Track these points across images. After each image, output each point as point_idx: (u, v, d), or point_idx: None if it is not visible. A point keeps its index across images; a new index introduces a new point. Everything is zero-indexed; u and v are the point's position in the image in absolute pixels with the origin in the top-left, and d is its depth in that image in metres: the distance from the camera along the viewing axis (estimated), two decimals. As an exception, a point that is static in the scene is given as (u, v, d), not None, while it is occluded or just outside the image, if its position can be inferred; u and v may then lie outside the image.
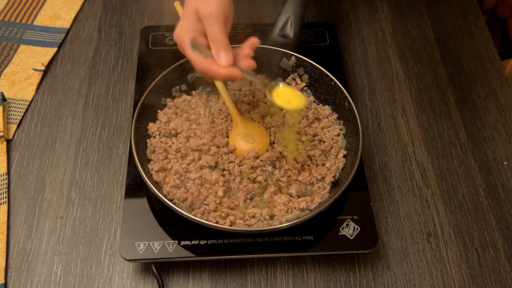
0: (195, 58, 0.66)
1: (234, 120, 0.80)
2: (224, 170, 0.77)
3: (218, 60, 0.65)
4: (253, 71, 0.70)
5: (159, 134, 0.80)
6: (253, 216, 0.72)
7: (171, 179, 0.74)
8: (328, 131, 0.82)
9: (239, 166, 0.77)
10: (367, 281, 0.74)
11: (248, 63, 0.68)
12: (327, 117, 0.84)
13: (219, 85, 0.81)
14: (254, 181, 0.76)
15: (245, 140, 0.78)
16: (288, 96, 0.73)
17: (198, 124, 0.81)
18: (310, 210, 0.73)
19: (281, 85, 0.74)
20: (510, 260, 0.77)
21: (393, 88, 0.96)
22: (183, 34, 0.66)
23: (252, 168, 0.76)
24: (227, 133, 0.81)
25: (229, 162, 0.77)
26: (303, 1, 0.89)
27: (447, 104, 0.94)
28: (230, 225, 0.71)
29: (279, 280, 0.74)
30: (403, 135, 0.89)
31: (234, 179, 0.76)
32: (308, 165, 0.78)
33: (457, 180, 0.84)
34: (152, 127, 0.80)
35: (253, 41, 0.70)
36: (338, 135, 0.82)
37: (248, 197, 0.74)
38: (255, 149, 0.78)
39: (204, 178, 0.75)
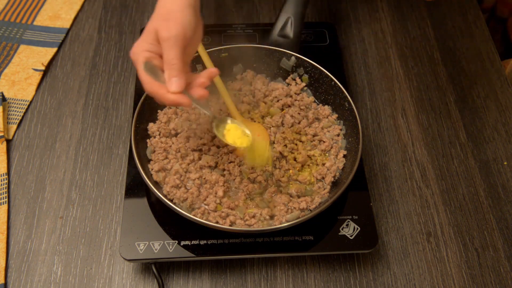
0: (146, 79, 0.64)
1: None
2: (224, 170, 0.77)
3: (169, 85, 0.63)
4: (205, 101, 0.68)
5: (159, 134, 0.80)
6: (253, 216, 0.72)
7: (171, 179, 0.74)
8: (328, 131, 0.82)
9: (239, 166, 0.77)
10: (367, 281, 0.74)
11: (200, 92, 0.66)
12: (327, 117, 0.84)
13: (219, 85, 0.81)
14: (254, 181, 0.75)
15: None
16: (235, 133, 0.74)
17: (198, 124, 0.81)
18: (310, 210, 0.73)
19: (229, 121, 0.74)
20: (510, 260, 0.77)
21: (393, 88, 0.96)
22: (139, 53, 0.64)
23: (252, 168, 0.76)
24: (227, 133, 0.81)
25: (229, 162, 0.77)
26: (303, 1, 0.89)
27: (447, 104, 0.94)
28: (230, 225, 0.71)
29: (279, 280, 0.74)
30: (403, 135, 0.89)
31: (234, 179, 0.76)
32: (308, 165, 0.78)
33: (457, 180, 0.84)
34: (152, 127, 0.80)
35: (212, 71, 0.69)
36: (338, 135, 0.82)
37: (248, 197, 0.74)
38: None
39: (204, 178, 0.75)
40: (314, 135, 0.82)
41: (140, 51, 0.64)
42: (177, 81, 0.63)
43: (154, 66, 0.64)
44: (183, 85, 0.64)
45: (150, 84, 0.64)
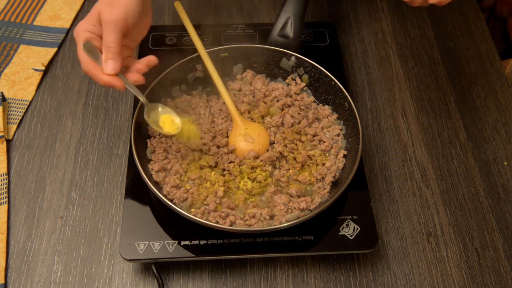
0: (83, 58, 0.67)
1: (234, 120, 0.80)
2: (224, 170, 0.77)
3: (104, 67, 0.66)
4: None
5: (159, 134, 0.80)
6: (253, 216, 0.72)
7: (171, 179, 0.74)
8: (328, 131, 0.82)
9: (239, 166, 0.77)
10: (367, 281, 0.74)
11: (135, 77, 0.69)
12: (327, 117, 0.84)
13: (219, 85, 0.81)
14: (254, 181, 0.76)
15: (245, 140, 0.78)
16: (164, 120, 0.76)
17: (198, 124, 0.81)
18: (310, 210, 0.73)
19: (160, 108, 0.76)
20: (510, 260, 0.77)
21: (393, 88, 0.96)
22: (80, 33, 0.67)
23: (252, 168, 0.76)
24: (227, 133, 0.81)
25: (229, 162, 0.77)
26: (303, 1, 0.89)
27: (447, 104, 0.94)
28: (230, 225, 0.71)
29: (279, 280, 0.74)
30: (403, 135, 0.89)
31: (234, 179, 0.76)
32: (308, 165, 0.78)
33: (457, 180, 0.84)
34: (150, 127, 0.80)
35: (150, 58, 0.71)
36: (338, 135, 0.82)
37: (248, 197, 0.74)
38: (255, 149, 0.78)
39: (204, 178, 0.75)
40: (314, 135, 0.82)
41: (82, 30, 0.67)
42: (112, 63, 0.66)
43: (93, 47, 0.67)
44: (117, 68, 0.66)
45: (86, 63, 0.67)
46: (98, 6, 0.68)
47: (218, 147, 0.79)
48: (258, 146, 0.78)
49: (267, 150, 0.79)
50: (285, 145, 0.79)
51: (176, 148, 0.78)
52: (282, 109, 0.84)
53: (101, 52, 0.67)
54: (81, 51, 0.67)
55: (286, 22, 0.89)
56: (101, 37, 0.68)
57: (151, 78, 0.82)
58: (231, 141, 0.79)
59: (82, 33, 0.67)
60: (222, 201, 0.73)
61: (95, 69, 0.66)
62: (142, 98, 0.74)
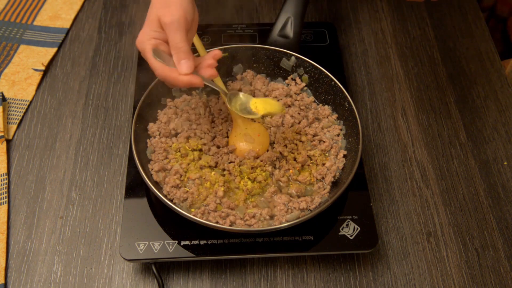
0: (156, 65, 0.67)
1: (234, 120, 0.80)
2: (224, 170, 0.77)
3: (179, 68, 0.66)
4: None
5: (159, 134, 0.80)
6: (253, 216, 0.72)
7: (171, 179, 0.74)
8: (328, 131, 0.82)
9: (239, 166, 0.77)
10: (367, 281, 0.74)
11: (210, 72, 0.69)
12: (327, 117, 0.84)
13: (219, 85, 0.81)
14: (254, 181, 0.76)
15: (245, 140, 0.78)
16: (256, 104, 0.75)
17: (198, 124, 0.81)
18: (310, 210, 0.73)
19: (240, 95, 0.76)
20: (510, 260, 0.77)
21: (393, 88, 0.96)
22: (145, 41, 0.67)
23: (252, 168, 0.76)
24: (227, 133, 0.81)
25: (229, 162, 0.77)
26: (303, 1, 0.89)
27: (447, 104, 0.94)
28: (230, 225, 0.71)
29: (279, 280, 0.74)
30: (403, 135, 0.89)
31: (234, 179, 0.76)
32: (308, 165, 0.78)
33: (457, 180, 0.84)
34: (152, 127, 0.80)
35: (216, 52, 0.72)
36: (338, 135, 0.82)
37: (248, 197, 0.74)
38: (255, 149, 0.78)
39: (204, 178, 0.75)
40: (314, 135, 0.82)
41: (146, 39, 0.67)
42: (186, 62, 0.66)
43: (162, 52, 0.67)
44: (192, 66, 0.66)
45: (161, 69, 0.67)
46: (154, 11, 0.67)
47: (218, 147, 0.79)
48: (258, 146, 0.78)
49: (267, 150, 0.79)
50: (285, 145, 0.79)
51: (176, 148, 0.78)
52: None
53: (170, 56, 0.67)
54: (153, 59, 0.66)
55: (286, 22, 0.89)
56: (166, 42, 0.67)
57: (151, 78, 0.82)
58: (231, 141, 0.79)
59: (147, 41, 0.67)
60: (222, 201, 0.73)
61: (171, 72, 0.66)
62: (222, 90, 0.74)
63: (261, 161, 0.77)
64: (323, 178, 0.77)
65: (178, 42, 0.66)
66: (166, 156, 0.78)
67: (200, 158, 0.77)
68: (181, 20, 0.66)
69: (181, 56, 0.66)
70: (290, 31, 0.89)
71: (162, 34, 0.67)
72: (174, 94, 0.85)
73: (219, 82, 0.80)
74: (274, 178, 0.76)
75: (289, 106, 0.85)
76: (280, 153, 0.78)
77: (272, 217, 0.73)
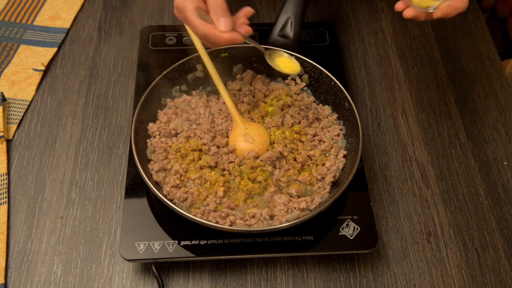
0: (199, 23, 0.68)
1: (234, 120, 0.80)
2: (224, 170, 0.77)
3: (219, 25, 0.68)
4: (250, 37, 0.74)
5: (159, 134, 0.80)
6: (253, 216, 0.72)
7: (171, 179, 0.74)
8: (328, 131, 0.82)
9: (239, 166, 0.77)
10: (367, 281, 0.74)
11: (245, 28, 0.71)
12: (327, 117, 0.84)
13: (219, 85, 0.81)
14: (254, 181, 0.75)
15: (245, 140, 0.78)
16: (284, 62, 0.79)
17: (198, 124, 0.81)
18: (310, 210, 0.73)
19: (277, 51, 0.80)
20: (510, 260, 0.77)
21: (393, 88, 0.96)
22: (187, 1, 0.69)
23: (252, 168, 0.76)
24: (227, 133, 0.81)
25: (229, 162, 0.77)
26: (303, 1, 0.89)
27: (447, 104, 0.94)
28: (230, 225, 0.71)
29: (279, 280, 0.74)
30: (403, 135, 0.89)
31: (234, 179, 0.76)
32: (308, 165, 0.78)
33: (457, 180, 0.84)
34: (152, 127, 0.80)
35: (247, 9, 0.74)
36: (338, 135, 0.82)
37: (248, 197, 0.74)
38: (255, 149, 0.78)
39: (204, 178, 0.75)
40: (314, 135, 0.82)
41: (187, 1, 0.69)
42: (225, 20, 0.68)
43: (203, 12, 0.69)
44: (231, 23, 0.69)
45: (203, 27, 0.69)
46: None
47: (218, 147, 0.79)
48: (258, 146, 0.78)
49: (267, 150, 0.79)
50: (285, 145, 0.79)
51: (176, 148, 0.78)
52: (282, 109, 0.84)
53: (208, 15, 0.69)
54: (196, 18, 0.68)
55: (286, 22, 0.89)
56: (204, 1, 0.69)
57: (151, 78, 0.82)
58: (231, 141, 0.79)
59: (189, 1, 0.68)
60: (222, 201, 0.73)
61: (212, 29, 0.68)
62: (260, 47, 0.77)
63: (261, 161, 0.77)
64: (323, 178, 0.77)
65: (217, 1, 0.68)
66: (166, 156, 0.77)
67: (200, 158, 0.77)
68: None
69: (220, 14, 0.68)
70: (290, 31, 0.89)
71: None
72: (174, 94, 0.85)
73: (218, 83, 0.81)
74: (274, 178, 0.76)
75: (289, 106, 0.85)
76: (280, 153, 0.78)
77: (272, 217, 0.73)
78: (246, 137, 0.78)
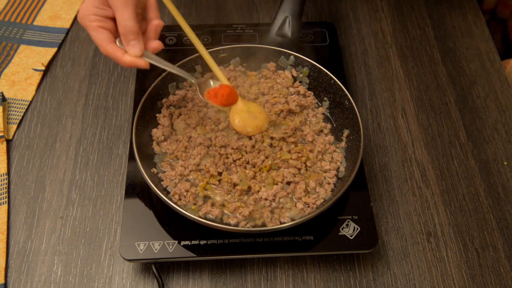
0: (100, 42, 0.63)
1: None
2: (226, 169, 0.77)
3: (129, 49, 0.63)
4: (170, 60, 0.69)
5: (164, 139, 0.80)
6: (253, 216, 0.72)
7: (174, 179, 0.74)
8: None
9: (244, 167, 0.76)
10: (367, 281, 0.74)
11: (155, 45, 0.66)
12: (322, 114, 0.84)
13: (214, 67, 0.78)
14: (253, 168, 0.75)
15: (248, 116, 0.78)
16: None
17: (198, 124, 0.81)
18: (311, 210, 0.73)
19: (211, 83, 0.75)
20: (510, 260, 0.77)
21: (393, 88, 0.96)
22: (87, 16, 0.63)
23: (252, 167, 0.76)
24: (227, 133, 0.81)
25: (229, 162, 0.77)
26: (301, 0, 0.89)
27: (447, 104, 0.94)
28: (230, 225, 0.71)
29: (279, 280, 0.74)
30: (403, 135, 0.89)
31: (237, 171, 0.75)
32: (309, 165, 0.78)
33: (457, 180, 0.84)
34: (156, 132, 0.80)
35: (156, 23, 0.67)
36: (341, 133, 0.82)
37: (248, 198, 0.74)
38: (258, 124, 0.78)
39: (205, 178, 0.75)
40: (314, 135, 0.82)
41: (88, 14, 0.63)
42: (135, 44, 0.62)
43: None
44: (142, 47, 0.63)
45: (105, 47, 0.63)
46: None
47: (221, 147, 0.79)
48: (260, 123, 0.78)
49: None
50: (286, 144, 0.79)
51: (181, 148, 0.78)
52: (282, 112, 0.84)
53: (116, 32, 0.63)
54: (97, 35, 0.62)
55: (284, 21, 0.89)
56: (110, 18, 0.63)
57: (151, 78, 0.82)
58: (232, 117, 0.79)
59: (89, 16, 0.63)
60: (223, 200, 0.73)
61: (115, 51, 0.63)
62: (188, 77, 0.71)
63: (262, 162, 0.77)
64: (324, 178, 0.77)
65: (127, 20, 0.61)
66: (168, 156, 0.77)
67: (201, 158, 0.77)
68: None
69: (131, 38, 0.62)
70: (288, 30, 0.89)
71: (106, 11, 0.63)
72: (170, 90, 0.84)
73: (214, 67, 0.77)
74: (274, 178, 0.76)
75: (289, 106, 0.84)
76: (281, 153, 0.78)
77: (272, 217, 0.72)
78: (250, 114, 0.78)
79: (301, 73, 0.87)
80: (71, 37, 1.00)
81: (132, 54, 0.63)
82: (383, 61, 1.00)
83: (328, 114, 0.84)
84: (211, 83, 0.75)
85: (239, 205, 0.73)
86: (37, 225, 0.77)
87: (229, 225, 0.71)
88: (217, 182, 0.75)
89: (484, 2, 1.18)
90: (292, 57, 0.86)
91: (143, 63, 0.64)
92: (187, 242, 0.71)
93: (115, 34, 0.65)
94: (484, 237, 0.79)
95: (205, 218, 0.71)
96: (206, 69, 0.83)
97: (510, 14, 1.18)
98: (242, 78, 0.87)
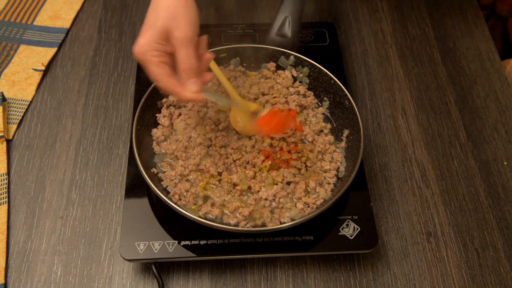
0: (162, 78, 0.64)
1: (234, 100, 0.79)
2: (224, 170, 0.77)
3: (190, 86, 0.65)
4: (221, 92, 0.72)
5: (164, 139, 0.80)
6: (253, 216, 0.72)
7: (174, 178, 0.74)
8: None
9: (244, 167, 0.76)
10: (367, 281, 0.74)
11: (209, 77, 0.69)
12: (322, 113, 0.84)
13: (215, 70, 0.79)
14: (255, 166, 0.75)
15: (252, 117, 0.78)
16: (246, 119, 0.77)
17: (198, 124, 0.81)
18: (311, 210, 0.73)
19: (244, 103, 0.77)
20: (510, 260, 0.77)
21: (393, 88, 0.96)
22: (147, 53, 0.64)
23: (253, 167, 0.76)
24: (227, 132, 0.81)
25: (229, 161, 0.77)
26: (300, 0, 0.89)
27: (447, 104, 0.94)
28: (230, 225, 0.71)
29: (279, 280, 0.74)
30: (403, 135, 0.89)
31: (241, 158, 0.76)
32: (308, 164, 0.78)
33: (457, 180, 0.84)
34: (156, 132, 0.80)
35: (209, 56, 0.69)
36: (342, 133, 0.82)
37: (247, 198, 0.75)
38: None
39: (204, 178, 0.75)
40: (314, 135, 0.82)
41: (148, 50, 0.64)
42: (196, 82, 0.65)
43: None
44: (201, 84, 0.65)
45: (166, 83, 0.65)
46: (162, 22, 0.63)
47: (220, 146, 0.79)
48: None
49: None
50: (286, 144, 0.79)
51: (180, 148, 0.78)
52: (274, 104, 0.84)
53: (174, 68, 0.65)
54: (158, 72, 0.64)
55: (284, 21, 0.89)
56: (169, 54, 0.65)
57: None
58: (232, 119, 0.79)
59: (151, 52, 0.63)
60: (223, 200, 0.73)
61: (176, 87, 0.64)
62: (225, 103, 0.76)
63: (262, 162, 0.77)
64: (323, 178, 0.77)
65: (191, 58, 0.63)
66: (169, 156, 0.77)
67: (201, 156, 0.77)
68: (193, 36, 0.63)
69: (192, 75, 0.64)
70: (288, 30, 0.89)
71: (166, 47, 0.64)
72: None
73: (220, 76, 0.78)
74: (274, 178, 0.76)
75: (289, 106, 0.85)
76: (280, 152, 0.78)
77: (272, 217, 0.72)
78: (252, 115, 0.78)
79: (301, 73, 0.87)
80: (71, 37, 1.00)
81: (194, 90, 0.65)
82: (383, 61, 1.00)
83: (328, 114, 0.85)
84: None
85: (239, 205, 0.73)
86: (37, 225, 0.77)
87: (229, 225, 0.71)
88: (217, 182, 0.75)
89: None
90: (292, 57, 0.86)
91: (201, 98, 0.66)
92: (187, 242, 0.71)
93: (173, 69, 0.66)
94: (484, 237, 0.79)
95: (205, 218, 0.71)
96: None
97: (509, 11, 1.18)
98: (242, 78, 0.87)
